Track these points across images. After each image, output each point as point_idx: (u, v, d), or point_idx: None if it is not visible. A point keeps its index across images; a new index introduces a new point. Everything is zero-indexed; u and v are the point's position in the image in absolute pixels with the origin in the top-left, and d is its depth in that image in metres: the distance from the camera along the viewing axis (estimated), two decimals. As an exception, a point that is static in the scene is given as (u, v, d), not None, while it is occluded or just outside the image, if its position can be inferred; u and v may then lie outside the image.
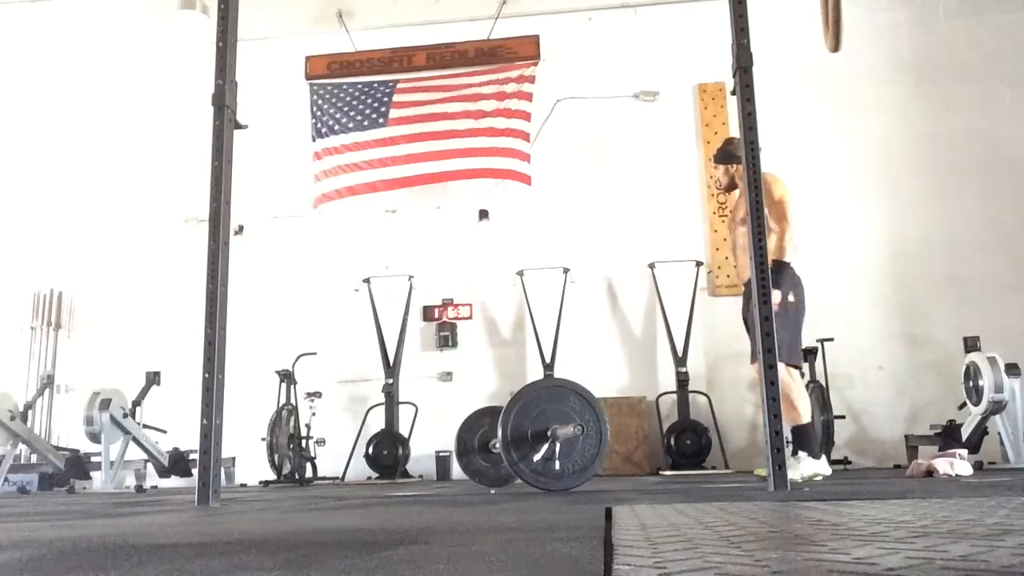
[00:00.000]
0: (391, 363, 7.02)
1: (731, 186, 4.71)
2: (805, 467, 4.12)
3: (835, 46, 3.49)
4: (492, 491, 4.21)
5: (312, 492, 4.97)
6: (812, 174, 7.26)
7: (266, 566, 1.31)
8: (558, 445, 3.69)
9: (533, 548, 1.47)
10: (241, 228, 7.40)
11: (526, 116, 7.55)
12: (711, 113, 7.62)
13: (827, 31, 3.60)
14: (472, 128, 7.46)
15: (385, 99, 7.80)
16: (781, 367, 4.08)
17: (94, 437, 6.05)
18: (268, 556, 1.48)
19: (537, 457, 3.69)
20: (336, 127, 7.79)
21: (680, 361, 6.75)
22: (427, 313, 7.55)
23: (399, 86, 7.85)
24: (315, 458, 6.63)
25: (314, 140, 7.82)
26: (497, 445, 4.01)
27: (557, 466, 3.69)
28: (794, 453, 4.20)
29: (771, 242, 4.15)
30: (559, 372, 6.72)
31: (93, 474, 6.45)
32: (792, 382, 4.22)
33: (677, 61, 7.69)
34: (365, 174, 7.61)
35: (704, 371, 7.08)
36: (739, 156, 4.26)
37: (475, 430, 4.64)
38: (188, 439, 5.23)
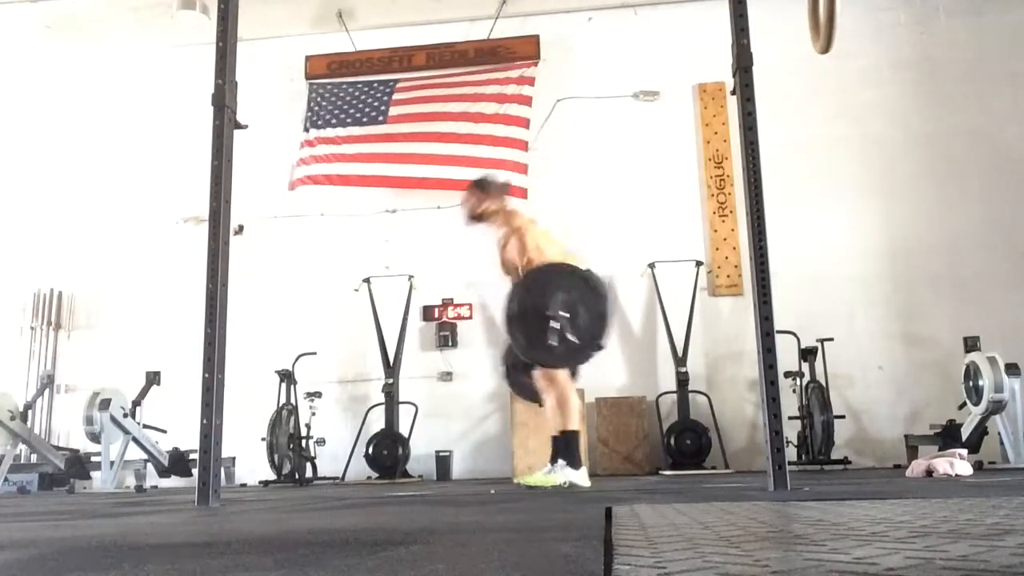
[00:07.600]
0: (391, 363, 7.01)
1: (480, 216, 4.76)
2: (561, 476, 4.00)
3: (826, 47, 3.46)
4: (492, 491, 4.21)
5: (312, 492, 4.97)
6: (812, 173, 7.28)
7: (266, 566, 1.31)
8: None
9: (533, 548, 1.47)
10: (241, 228, 7.39)
11: (524, 123, 7.55)
12: (711, 113, 7.62)
13: (815, 33, 3.57)
14: (472, 133, 7.47)
15: (386, 97, 7.80)
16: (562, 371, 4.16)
17: (94, 437, 6.06)
18: (268, 556, 1.48)
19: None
20: (333, 120, 7.78)
21: (680, 361, 6.75)
22: (427, 313, 7.54)
23: (399, 85, 7.86)
24: (315, 458, 6.62)
25: (306, 130, 7.81)
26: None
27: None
28: (553, 460, 4.10)
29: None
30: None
31: (93, 474, 6.45)
32: (571, 387, 4.21)
33: (677, 61, 7.69)
34: (361, 166, 7.60)
35: (704, 371, 7.08)
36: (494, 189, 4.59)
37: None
38: (188, 439, 5.23)
